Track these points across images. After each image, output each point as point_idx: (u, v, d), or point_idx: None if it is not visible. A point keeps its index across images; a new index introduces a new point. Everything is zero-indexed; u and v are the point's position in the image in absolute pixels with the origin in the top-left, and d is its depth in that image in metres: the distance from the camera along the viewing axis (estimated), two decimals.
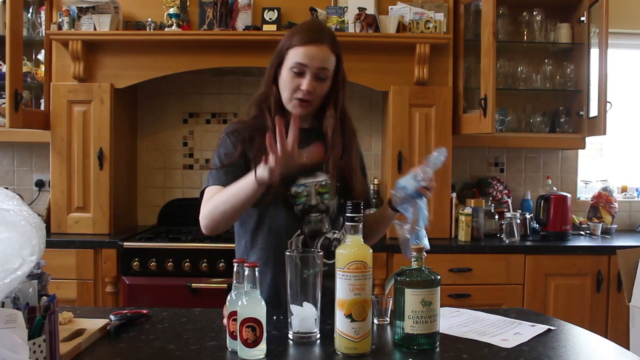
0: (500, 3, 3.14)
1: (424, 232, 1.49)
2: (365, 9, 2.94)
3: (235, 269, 1.23)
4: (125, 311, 1.45)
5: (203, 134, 3.47)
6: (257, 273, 1.18)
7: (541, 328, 1.40)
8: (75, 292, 2.81)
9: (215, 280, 2.77)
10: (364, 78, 3.01)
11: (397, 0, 3.06)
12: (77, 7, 2.94)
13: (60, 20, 2.96)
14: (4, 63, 2.79)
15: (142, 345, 1.27)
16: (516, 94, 3.41)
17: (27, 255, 0.98)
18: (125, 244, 2.81)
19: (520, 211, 3.23)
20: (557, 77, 3.36)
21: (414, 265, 1.28)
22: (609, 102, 3.09)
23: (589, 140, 3.31)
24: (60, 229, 3.00)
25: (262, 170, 1.39)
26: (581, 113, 3.27)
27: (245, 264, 1.19)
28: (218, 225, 1.54)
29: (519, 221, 3.06)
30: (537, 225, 3.21)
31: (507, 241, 2.99)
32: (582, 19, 3.24)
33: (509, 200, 3.39)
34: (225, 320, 1.26)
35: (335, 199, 1.63)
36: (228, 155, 1.58)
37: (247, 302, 1.16)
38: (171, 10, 2.95)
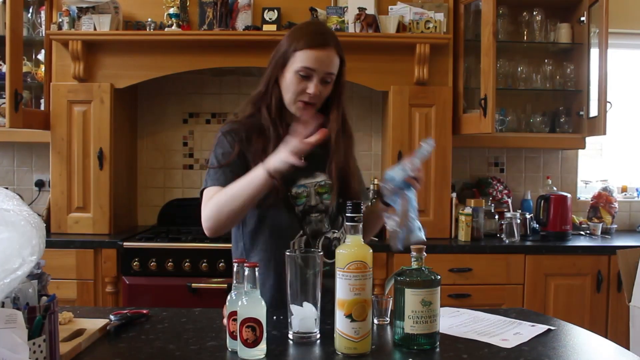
0: (500, 3, 3.14)
1: (417, 223, 1.47)
2: (365, 9, 2.94)
3: (235, 269, 1.23)
4: (125, 311, 1.45)
5: (203, 134, 3.47)
6: (257, 273, 1.18)
7: (541, 328, 1.40)
8: (75, 292, 2.81)
9: (215, 280, 2.77)
10: (364, 78, 3.01)
11: (397, 0, 3.06)
12: (77, 7, 2.95)
13: (60, 20, 2.96)
14: (4, 63, 2.79)
15: (142, 345, 1.27)
16: (516, 94, 3.41)
17: (27, 255, 0.98)
18: (125, 244, 2.81)
19: (520, 211, 3.23)
20: (557, 77, 3.36)
21: (414, 265, 1.27)
22: (609, 102, 3.09)
23: (589, 140, 3.31)
24: (60, 229, 3.00)
25: (276, 161, 1.39)
26: (581, 113, 3.27)
27: (245, 264, 1.19)
28: (224, 226, 1.53)
29: (519, 221, 3.06)
30: (537, 225, 3.21)
31: (507, 241, 2.99)
32: (582, 19, 3.24)
33: (509, 200, 3.39)
34: (225, 320, 1.26)
35: (334, 199, 1.63)
36: (226, 155, 1.57)
37: (247, 302, 1.16)
38: (171, 10, 2.95)
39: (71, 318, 1.38)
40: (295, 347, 1.26)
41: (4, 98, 2.78)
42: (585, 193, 3.57)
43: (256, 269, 1.18)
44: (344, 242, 1.24)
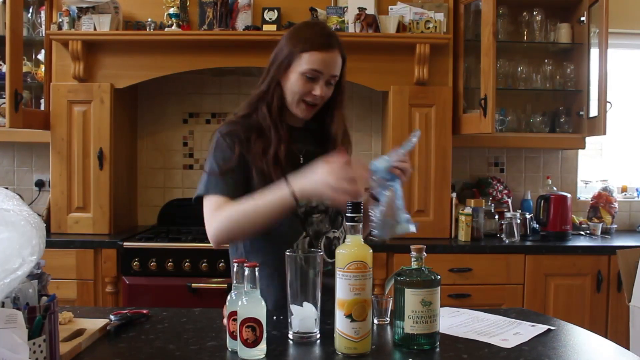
0: (500, 3, 3.14)
1: (405, 215, 1.44)
2: (365, 9, 2.94)
3: (235, 269, 1.23)
4: (125, 311, 1.45)
5: (203, 134, 3.47)
6: (257, 273, 1.18)
7: (541, 328, 1.40)
8: (75, 292, 2.81)
9: (215, 280, 2.77)
10: (364, 78, 3.01)
11: (397, 0, 3.06)
12: (77, 7, 2.95)
13: (60, 20, 2.96)
14: (4, 63, 2.79)
15: (142, 345, 1.27)
16: (516, 94, 3.41)
17: (27, 255, 0.98)
18: (125, 244, 2.81)
19: (520, 211, 3.23)
20: (557, 77, 3.36)
21: (414, 265, 1.27)
22: (609, 102, 3.09)
23: (589, 140, 3.31)
24: (60, 229, 3.00)
25: (308, 187, 1.37)
26: (581, 113, 3.27)
27: (245, 264, 1.19)
28: (235, 240, 1.51)
29: (519, 221, 3.06)
30: (537, 225, 3.21)
31: (507, 241, 2.99)
32: (582, 19, 3.24)
33: (509, 200, 3.39)
34: (225, 320, 1.26)
35: None
36: (227, 160, 1.53)
37: (247, 302, 1.16)
38: (171, 10, 2.95)
39: (71, 318, 1.38)
40: (295, 347, 1.26)
41: (4, 98, 2.78)
42: (585, 193, 3.57)
43: (256, 269, 1.18)
44: (343, 241, 1.24)
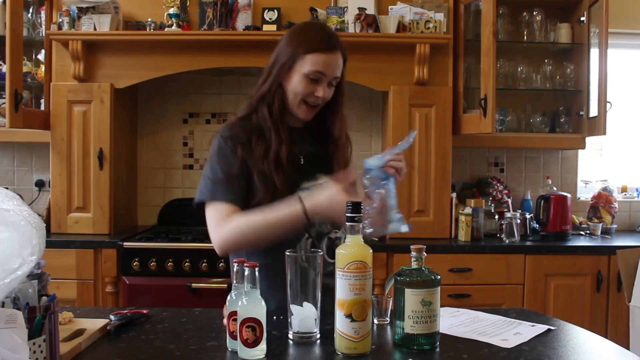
0: (500, 3, 3.14)
1: (398, 215, 1.44)
2: (365, 9, 2.94)
3: (235, 269, 1.23)
4: (125, 311, 1.45)
5: (203, 134, 3.47)
6: (257, 273, 1.18)
7: (541, 328, 1.40)
8: (75, 292, 2.81)
9: (215, 280, 2.77)
10: (364, 78, 3.01)
11: (397, 0, 3.06)
12: (77, 7, 2.95)
13: (60, 20, 2.96)
14: (4, 63, 2.79)
15: (142, 345, 1.27)
16: (516, 94, 3.41)
17: (27, 255, 0.98)
18: (125, 244, 2.81)
19: (520, 211, 3.23)
20: (557, 77, 3.36)
21: (414, 265, 1.27)
22: (609, 102, 3.09)
23: (589, 140, 3.31)
24: (60, 229, 3.00)
25: (322, 208, 1.41)
26: (581, 113, 3.27)
27: (245, 264, 1.19)
28: (239, 250, 1.52)
29: (519, 221, 3.06)
30: (537, 225, 3.21)
31: (507, 241, 2.99)
32: (582, 19, 3.24)
33: (509, 200, 3.39)
34: (225, 320, 1.26)
35: None
36: (231, 166, 1.52)
37: (247, 302, 1.16)
38: (171, 10, 2.95)
39: (71, 318, 1.38)
40: (295, 347, 1.26)
41: (4, 98, 2.78)
42: (585, 193, 3.57)
43: (256, 269, 1.18)
44: (344, 241, 1.24)
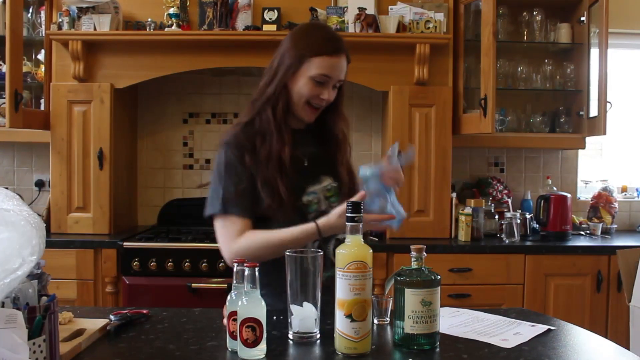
0: (500, 3, 3.14)
1: (396, 223, 1.47)
2: (365, 9, 2.94)
3: (235, 269, 1.23)
4: (125, 311, 1.46)
5: (203, 134, 3.47)
6: (257, 273, 1.18)
7: (541, 328, 1.40)
8: (75, 292, 2.81)
9: (215, 280, 2.77)
10: (364, 78, 3.01)
11: (397, 0, 3.06)
12: (77, 7, 2.95)
13: (60, 20, 2.96)
14: (4, 63, 2.79)
15: (142, 345, 1.27)
16: (516, 94, 3.41)
17: (27, 255, 0.98)
18: (125, 244, 2.81)
19: (520, 211, 3.23)
20: (557, 77, 3.36)
21: (414, 265, 1.28)
22: (609, 102, 3.09)
23: (589, 140, 3.31)
24: (60, 229, 3.00)
25: (335, 228, 1.45)
26: (581, 113, 3.27)
27: (245, 264, 1.19)
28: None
29: (519, 221, 3.06)
30: (537, 225, 3.21)
31: (507, 241, 2.99)
32: (582, 19, 3.24)
33: (509, 200, 3.39)
34: (225, 320, 1.26)
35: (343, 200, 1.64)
36: (240, 178, 1.52)
37: (247, 302, 1.16)
38: (171, 10, 2.95)
39: (71, 318, 1.38)
40: (295, 347, 1.26)
41: (4, 98, 2.78)
42: (585, 193, 3.57)
43: (256, 269, 1.18)
44: (344, 242, 1.24)
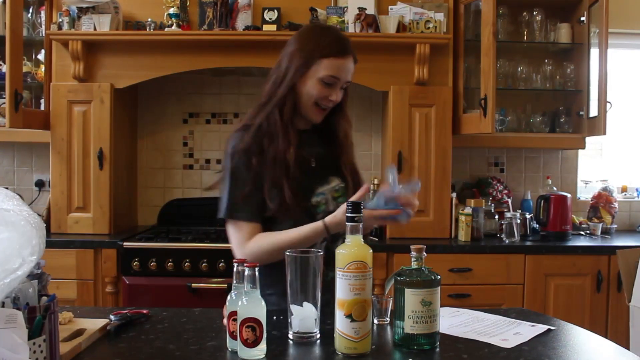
0: (500, 3, 3.14)
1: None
2: (365, 9, 2.94)
3: (235, 269, 1.23)
4: (125, 311, 1.45)
5: (203, 134, 3.47)
6: (257, 273, 1.18)
7: (541, 328, 1.40)
8: (75, 292, 2.81)
9: (215, 280, 2.77)
10: (364, 78, 3.01)
11: (397, 0, 3.06)
12: (77, 7, 2.95)
13: (60, 20, 2.96)
14: (4, 63, 2.79)
15: (142, 345, 1.27)
16: (516, 94, 3.41)
17: (27, 255, 0.98)
18: (125, 244, 2.81)
19: (520, 211, 3.23)
20: (557, 77, 3.36)
21: (414, 265, 1.27)
22: (609, 102, 3.09)
23: (589, 140, 3.31)
24: (60, 229, 3.00)
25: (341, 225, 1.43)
26: (581, 113, 3.27)
27: (245, 264, 1.19)
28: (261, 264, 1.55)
29: (519, 221, 3.06)
30: (537, 225, 3.21)
31: (507, 241, 2.99)
32: (582, 19, 3.24)
33: (509, 200, 3.39)
34: (225, 320, 1.26)
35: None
36: (246, 182, 1.54)
37: (247, 302, 1.16)
38: (171, 10, 2.95)
39: (71, 318, 1.38)
40: (295, 347, 1.26)
41: (4, 98, 2.78)
42: (585, 193, 3.57)
43: (256, 269, 1.18)
44: (344, 242, 1.24)
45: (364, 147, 3.42)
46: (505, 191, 3.42)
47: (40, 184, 3.43)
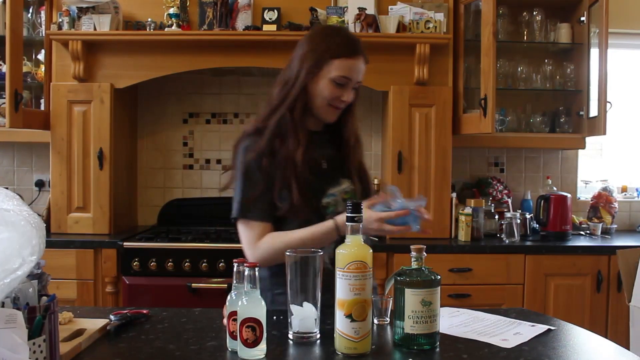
0: (500, 3, 3.14)
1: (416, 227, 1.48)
2: (365, 9, 2.94)
3: (235, 269, 1.23)
4: (125, 311, 1.45)
5: (203, 134, 3.47)
6: (257, 273, 1.18)
7: (541, 328, 1.40)
8: (75, 292, 2.81)
9: (215, 280, 2.77)
10: (364, 78, 3.00)
11: (397, 0, 3.06)
12: (77, 7, 2.95)
13: (60, 20, 2.96)
14: (4, 63, 2.79)
15: (142, 345, 1.27)
16: (516, 94, 3.41)
17: (27, 255, 0.98)
18: (125, 244, 2.81)
19: (520, 211, 3.23)
20: (557, 77, 3.36)
21: (414, 265, 1.28)
22: (609, 102, 3.09)
23: (589, 140, 3.31)
24: (60, 229, 3.00)
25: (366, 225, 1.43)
26: (581, 113, 3.27)
27: (245, 264, 1.19)
28: (272, 264, 1.56)
29: (519, 221, 3.06)
30: (537, 225, 3.21)
31: (507, 241, 2.99)
32: (582, 19, 3.24)
33: (509, 200, 3.39)
34: (225, 320, 1.27)
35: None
36: (257, 183, 1.55)
37: (247, 302, 1.16)
38: (171, 10, 2.95)
39: (71, 318, 1.38)
40: (295, 347, 1.26)
41: (4, 98, 2.78)
42: (585, 193, 3.57)
43: (256, 269, 1.18)
44: (344, 242, 1.24)
45: (364, 147, 3.40)
46: (505, 191, 3.42)
47: (40, 184, 3.43)
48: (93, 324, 1.33)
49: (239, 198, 1.57)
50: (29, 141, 3.25)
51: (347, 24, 2.97)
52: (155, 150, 3.48)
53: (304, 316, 1.26)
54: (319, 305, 1.28)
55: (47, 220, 3.02)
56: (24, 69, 3.02)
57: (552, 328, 1.40)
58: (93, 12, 2.94)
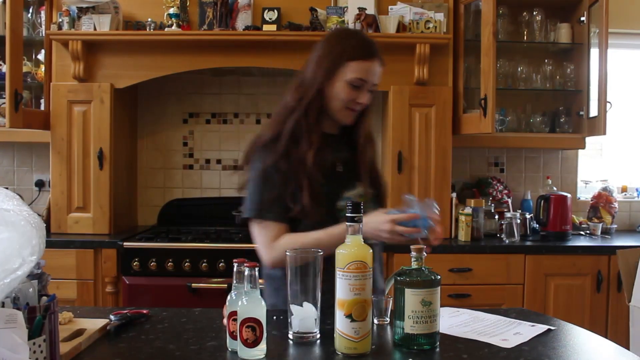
0: (500, 3, 3.14)
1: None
2: (365, 9, 2.94)
3: (235, 269, 1.23)
4: (125, 311, 1.45)
5: (203, 134, 3.47)
6: (257, 273, 1.18)
7: (541, 328, 1.40)
8: (75, 292, 2.81)
9: (215, 280, 2.77)
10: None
11: (397, 0, 3.06)
12: (77, 7, 2.95)
13: (60, 20, 2.96)
14: (4, 63, 2.79)
15: (142, 345, 1.27)
16: (516, 94, 3.41)
17: (27, 255, 0.98)
18: (125, 244, 2.81)
19: (520, 211, 3.23)
20: (557, 77, 3.36)
21: (414, 265, 1.28)
22: (609, 102, 3.09)
23: (589, 140, 3.31)
24: (60, 229, 3.00)
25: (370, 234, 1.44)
26: (581, 113, 3.27)
27: (245, 264, 1.19)
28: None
29: (519, 221, 3.06)
30: (537, 225, 3.21)
31: (507, 241, 2.99)
32: (582, 19, 3.24)
33: (509, 200, 3.39)
34: (225, 320, 1.27)
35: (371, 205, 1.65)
36: (274, 184, 1.55)
37: (247, 302, 1.16)
38: (171, 10, 2.95)
39: (71, 318, 1.38)
40: (295, 347, 1.26)
41: (4, 98, 2.78)
42: (585, 193, 3.57)
43: (256, 269, 1.18)
44: (344, 242, 1.24)
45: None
46: (505, 191, 3.42)
47: (40, 184, 3.43)
48: (93, 324, 1.33)
49: (256, 198, 1.57)
50: (29, 141, 3.25)
51: (347, 24, 2.97)
52: (155, 150, 3.48)
53: (304, 316, 1.26)
54: (319, 305, 1.28)
55: (47, 220, 3.02)
56: (24, 69, 3.02)
57: (552, 328, 1.40)
58: (93, 12, 2.94)
